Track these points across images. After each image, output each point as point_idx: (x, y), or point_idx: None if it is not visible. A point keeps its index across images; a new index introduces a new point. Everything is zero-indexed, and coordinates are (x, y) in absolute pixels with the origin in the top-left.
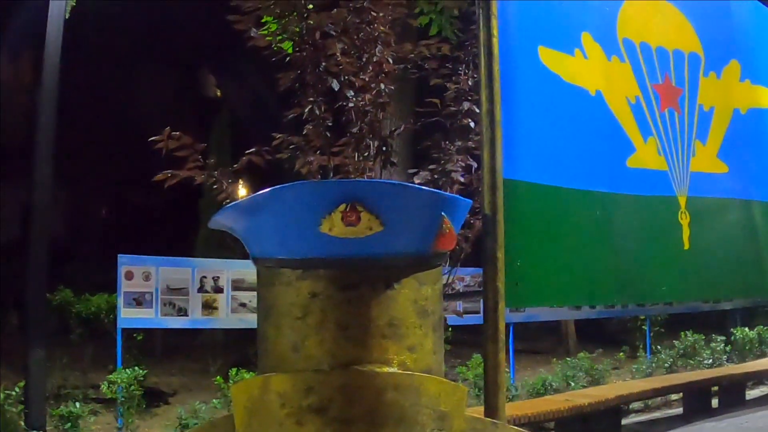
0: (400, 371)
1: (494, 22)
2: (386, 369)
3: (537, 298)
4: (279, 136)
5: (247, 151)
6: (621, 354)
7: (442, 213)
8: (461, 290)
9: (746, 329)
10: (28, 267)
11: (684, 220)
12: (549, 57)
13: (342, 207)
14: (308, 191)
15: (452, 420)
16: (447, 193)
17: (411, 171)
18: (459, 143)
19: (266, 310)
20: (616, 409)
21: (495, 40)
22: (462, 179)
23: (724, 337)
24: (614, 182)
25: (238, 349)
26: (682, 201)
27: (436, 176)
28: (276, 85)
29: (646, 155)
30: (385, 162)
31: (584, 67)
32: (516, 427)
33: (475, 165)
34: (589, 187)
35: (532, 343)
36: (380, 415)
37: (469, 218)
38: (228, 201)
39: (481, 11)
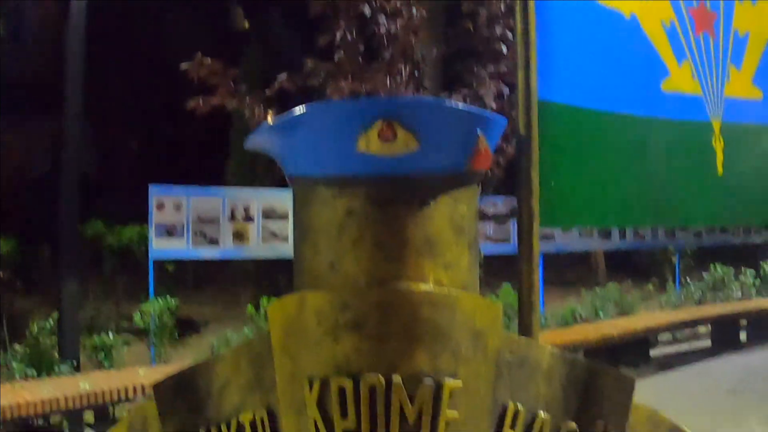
0: (435, 289)
1: None
2: (422, 286)
3: (571, 219)
4: (310, 62)
5: (279, 77)
6: (650, 286)
7: (478, 131)
8: (492, 215)
9: None
10: (60, 199)
11: (718, 145)
12: None
13: (378, 124)
14: (346, 108)
15: (487, 337)
16: (483, 111)
17: (442, 95)
18: (491, 68)
19: (302, 229)
20: (644, 339)
21: None
22: (494, 104)
23: (753, 271)
24: (648, 105)
25: (269, 279)
26: (716, 126)
27: (467, 100)
28: (307, 11)
29: (680, 79)
30: (417, 87)
31: None
32: (549, 346)
33: (506, 90)
34: (623, 110)
35: (562, 274)
36: (416, 332)
37: (501, 143)
38: (258, 123)
39: None
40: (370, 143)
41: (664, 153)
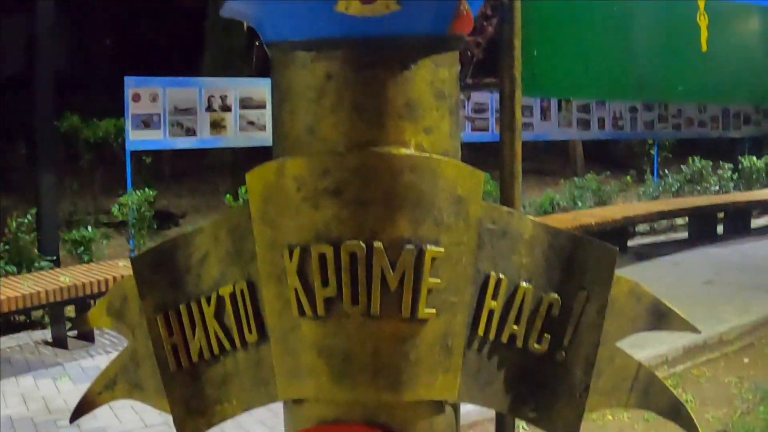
0: (416, 153)
1: None
2: (403, 151)
3: (553, 89)
4: None
5: None
6: (628, 177)
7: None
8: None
9: (754, 158)
10: (34, 95)
11: (702, 21)
12: None
13: None
14: None
15: (469, 205)
16: None
17: None
18: None
19: (281, 95)
20: (622, 229)
21: None
22: None
23: (731, 165)
24: None
25: (247, 169)
26: (701, 3)
27: None
28: None
29: None
30: None
31: None
32: (531, 217)
33: None
34: None
35: (540, 164)
36: (397, 198)
37: (482, 22)
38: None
39: None
40: (350, 4)
41: (649, 27)
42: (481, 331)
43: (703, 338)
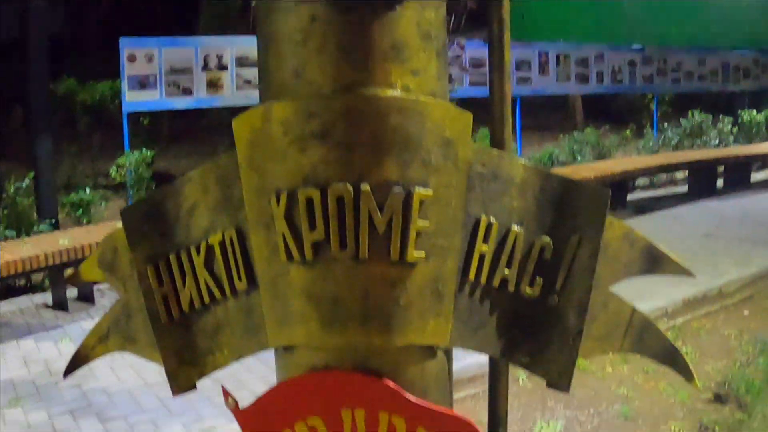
0: (403, 95)
1: None
2: (389, 92)
3: (543, 32)
4: None
5: None
6: (628, 131)
7: None
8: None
9: (754, 112)
10: (28, 59)
11: None
12: None
13: None
14: None
15: (458, 147)
16: None
17: None
18: None
19: (266, 40)
20: (621, 183)
21: None
22: None
23: (731, 118)
24: None
25: None
26: None
27: None
28: None
29: None
30: None
31: None
32: (523, 160)
33: None
34: None
35: (540, 120)
36: (384, 140)
37: None
38: None
39: None
40: None
41: None
42: (472, 276)
43: (703, 291)
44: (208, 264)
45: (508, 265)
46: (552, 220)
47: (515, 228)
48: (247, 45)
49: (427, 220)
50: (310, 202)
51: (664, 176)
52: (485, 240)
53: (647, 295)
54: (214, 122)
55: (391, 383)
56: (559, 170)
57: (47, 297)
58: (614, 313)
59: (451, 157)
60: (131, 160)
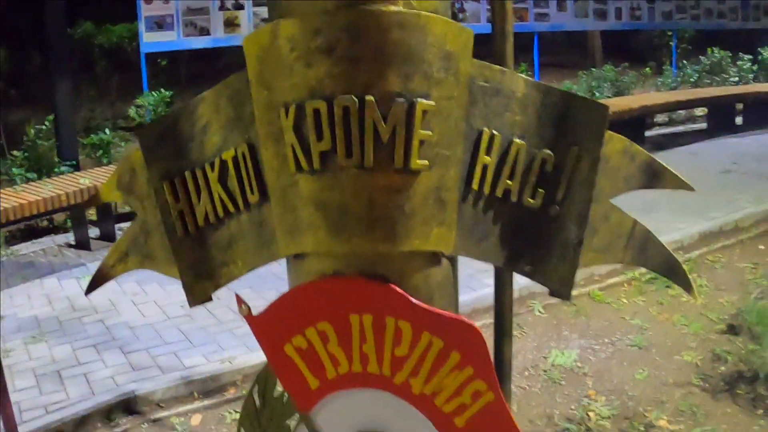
0: (405, 10)
1: None
2: (391, 8)
3: None
4: None
5: None
6: (648, 69)
7: None
8: None
9: None
10: (45, 3)
11: None
12: None
13: None
14: None
15: (459, 61)
16: None
17: None
18: None
19: None
20: (639, 119)
21: None
22: None
23: (751, 56)
24: None
25: None
26: None
27: None
28: None
29: None
30: None
31: None
32: (524, 76)
33: None
34: None
35: (559, 57)
36: (387, 53)
37: None
38: None
39: None
40: None
41: None
42: (475, 186)
43: (719, 225)
44: (222, 179)
45: (511, 176)
46: (553, 133)
47: (517, 141)
48: None
49: (429, 130)
50: (317, 113)
51: (683, 113)
52: (488, 152)
53: (663, 230)
54: (232, 62)
55: (396, 288)
56: None
57: (69, 237)
58: (616, 226)
59: (452, 71)
60: (150, 101)
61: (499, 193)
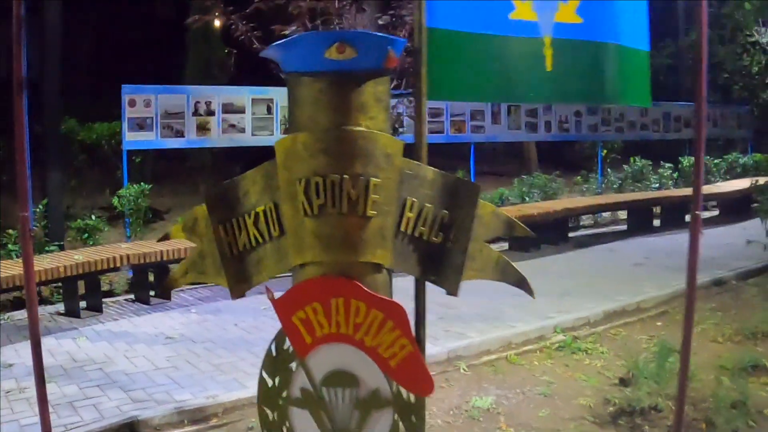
0: (365, 130)
1: None
2: (358, 128)
3: (449, 94)
4: None
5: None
6: (579, 177)
7: (388, 47)
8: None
9: (693, 158)
10: (45, 100)
11: (548, 52)
12: None
13: (337, 44)
14: (321, 37)
15: (394, 158)
16: (390, 36)
17: (376, 15)
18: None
19: (294, 100)
20: (563, 220)
21: None
22: (410, 21)
23: (671, 164)
24: (501, 28)
25: (226, 170)
26: (547, 41)
27: (393, 19)
28: None
29: (523, 11)
30: (358, 8)
31: None
32: (433, 168)
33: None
34: (486, 31)
35: (498, 166)
36: (355, 153)
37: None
38: (240, 35)
39: None
40: (332, 53)
41: (512, 56)
42: (403, 228)
43: (622, 305)
44: (256, 223)
45: (423, 225)
46: (448, 201)
47: (427, 205)
48: (232, 94)
49: (377, 195)
50: (317, 184)
51: (608, 216)
52: (410, 210)
53: (574, 309)
54: (196, 165)
55: (358, 283)
56: (505, 208)
57: (59, 307)
58: (487, 256)
59: (390, 164)
60: (131, 192)
61: (416, 234)
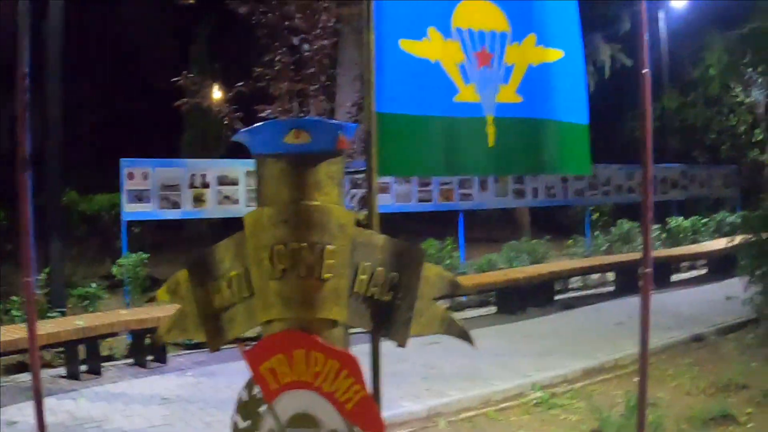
0: (321, 204)
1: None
2: (314, 203)
3: (397, 170)
4: (259, 70)
5: (238, 84)
6: (570, 241)
7: (339, 132)
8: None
9: (681, 218)
10: (47, 174)
11: (491, 130)
12: (406, 44)
13: (294, 130)
14: (279, 124)
15: (347, 228)
16: (341, 122)
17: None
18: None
19: (260, 178)
20: (549, 283)
21: (372, 36)
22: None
23: (659, 225)
24: (446, 109)
25: (221, 239)
26: (490, 119)
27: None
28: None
29: (467, 94)
30: (325, 93)
31: (428, 47)
32: (384, 236)
33: None
34: (431, 114)
35: (491, 233)
36: (312, 224)
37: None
38: (226, 119)
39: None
40: (290, 138)
41: (457, 134)
42: (356, 289)
43: (601, 362)
44: (230, 286)
45: (375, 286)
46: (397, 264)
47: (378, 268)
48: (226, 166)
49: (332, 260)
50: (280, 251)
51: (597, 278)
52: (363, 273)
53: (553, 367)
54: (192, 235)
55: (316, 337)
56: (494, 273)
57: (60, 371)
58: (433, 313)
59: (343, 232)
60: (131, 261)
61: (368, 294)
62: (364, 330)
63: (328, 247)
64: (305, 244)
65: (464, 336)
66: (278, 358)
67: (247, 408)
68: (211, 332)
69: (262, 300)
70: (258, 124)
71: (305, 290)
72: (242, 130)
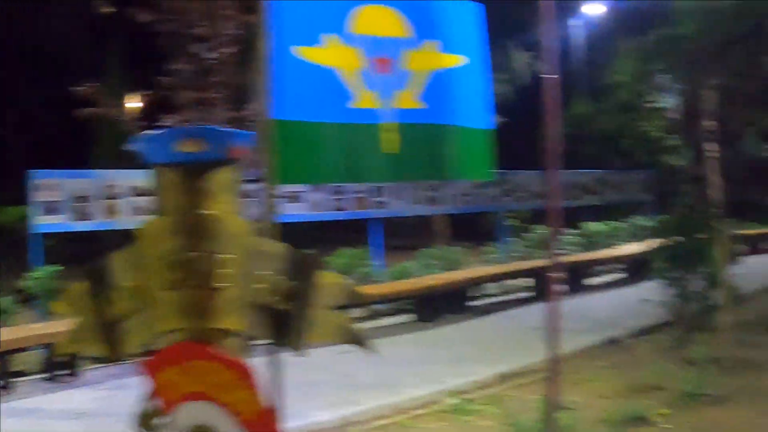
0: (216, 213)
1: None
2: (209, 211)
3: (295, 178)
4: (166, 79)
5: (145, 93)
6: (486, 248)
7: (231, 139)
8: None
9: (597, 223)
10: None
11: (392, 136)
12: (301, 50)
13: (187, 139)
14: (173, 132)
15: (242, 237)
16: (234, 130)
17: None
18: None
19: (157, 185)
20: (464, 289)
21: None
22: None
23: (576, 230)
24: (342, 116)
25: None
26: (390, 126)
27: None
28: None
29: (364, 101)
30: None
31: (323, 53)
32: (280, 244)
33: None
34: (329, 120)
35: (409, 240)
36: (207, 233)
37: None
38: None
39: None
40: (184, 146)
41: (359, 141)
42: (253, 298)
43: (516, 367)
44: (127, 296)
45: (271, 294)
46: (294, 272)
47: (275, 277)
48: (137, 177)
49: (226, 269)
50: (174, 261)
51: (515, 284)
52: (259, 282)
53: (466, 373)
54: (108, 246)
55: (211, 348)
56: (409, 281)
57: None
58: (330, 321)
59: (238, 241)
60: (44, 274)
61: (265, 303)
62: (262, 339)
63: (222, 256)
64: (198, 253)
65: (363, 344)
66: (175, 369)
67: (146, 419)
68: (110, 344)
69: (159, 310)
70: (151, 132)
71: (200, 300)
72: (137, 138)
